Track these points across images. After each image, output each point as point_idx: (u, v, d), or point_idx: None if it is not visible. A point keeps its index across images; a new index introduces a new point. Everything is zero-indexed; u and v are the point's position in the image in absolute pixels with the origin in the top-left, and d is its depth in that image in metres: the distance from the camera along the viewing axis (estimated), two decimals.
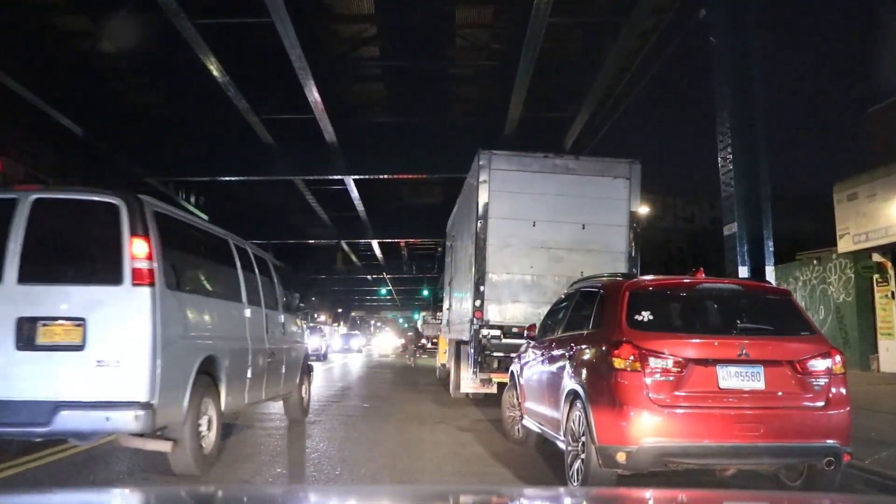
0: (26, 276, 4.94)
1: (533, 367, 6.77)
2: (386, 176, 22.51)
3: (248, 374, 6.75)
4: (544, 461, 6.66)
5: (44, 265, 5.07)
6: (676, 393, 4.67)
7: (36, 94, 16.09)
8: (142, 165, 20.55)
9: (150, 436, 5.15)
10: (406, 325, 69.92)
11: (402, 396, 13.16)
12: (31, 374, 4.81)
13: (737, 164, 9.08)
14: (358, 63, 17.13)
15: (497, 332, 10.38)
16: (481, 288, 10.39)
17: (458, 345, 12.26)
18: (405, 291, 59.76)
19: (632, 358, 4.71)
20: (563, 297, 6.81)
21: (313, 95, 15.71)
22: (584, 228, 10.63)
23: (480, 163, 10.46)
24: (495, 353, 10.39)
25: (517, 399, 7.45)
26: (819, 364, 4.82)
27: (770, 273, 8.85)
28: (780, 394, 4.76)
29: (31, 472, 5.62)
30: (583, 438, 5.01)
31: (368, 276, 48.77)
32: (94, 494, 2.87)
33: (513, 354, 10.11)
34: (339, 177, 21.57)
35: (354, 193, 23.92)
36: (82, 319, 4.87)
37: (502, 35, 16.17)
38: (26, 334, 4.82)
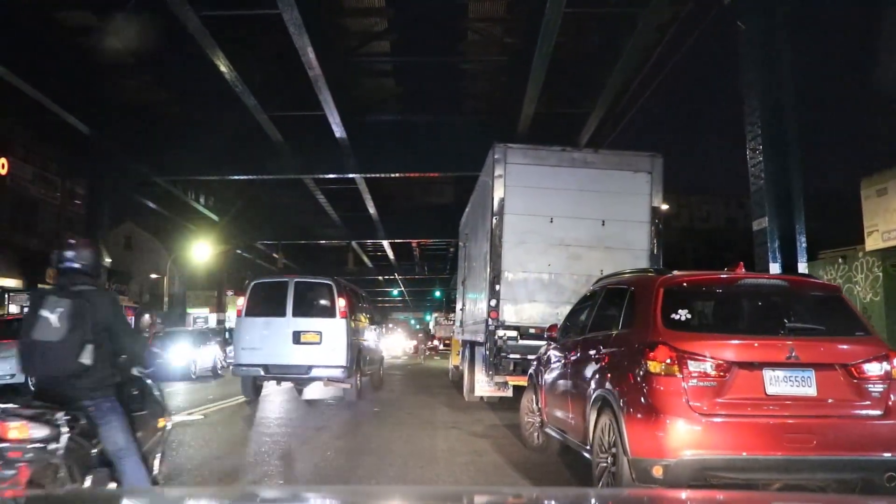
0: (295, 313, 11.27)
1: (555, 370, 6.33)
2: (397, 174, 22.16)
3: (368, 358, 13.27)
4: (568, 471, 6.22)
5: (303, 308, 11.33)
6: (719, 400, 4.22)
7: (41, 92, 15.85)
8: (149, 165, 20.29)
9: (341, 381, 11.49)
10: (418, 327, 69.56)
11: (413, 399, 12.74)
12: (299, 354, 10.96)
13: (766, 156, 8.58)
14: (368, 58, 16.81)
15: (513, 333, 9.94)
16: (497, 287, 9.95)
17: (472, 346, 11.85)
18: (417, 293, 59.40)
19: (668, 361, 4.27)
20: (587, 294, 6.36)
21: (323, 92, 15.36)
22: (603, 225, 10.18)
23: (496, 157, 10.03)
24: (511, 356, 9.95)
25: (537, 404, 7.00)
26: (876, 368, 4.34)
27: (803, 270, 8.36)
28: (833, 401, 4.30)
29: None
30: (613, 450, 4.56)
31: (380, 278, 48.42)
32: (95, 495, 2.72)
33: (530, 356, 9.70)
34: (350, 175, 21.21)
35: (365, 193, 23.57)
36: (319, 332, 11.14)
37: (516, 29, 15.78)
38: (296, 338, 10.93)
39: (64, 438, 3.46)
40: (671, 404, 4.22)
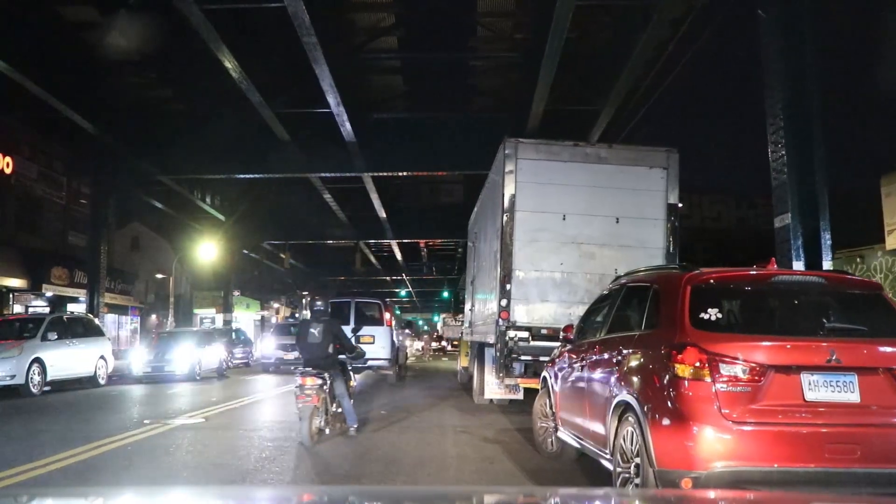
0: (356, 322, 14.42)
1: (570, 373, 6.00)
2: (405, 173, 21.88)
3: (401, 353, 18.32)
4: (586, 480, 5.89)
5: (361, 319, 15.48)
6: (753, 406, 3.89)
7: (45, 89, 15.63)
8: (154, 163, 20.08)
9: (386, 369, 16.40)
10: (426, 328, 69.32)
11: (421, 402, 12.43)
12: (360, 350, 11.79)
13: (789, 150, 8.21)
14: (375, 54, 16.51)
15: (525, 334, 9.63)
16: (507, 286, 9.64)
17: (482, 347, 11.54)
18: (425, 293, 59.11)
19: (698, 364, 3.94)
20: (605, 293, 6.02)
21: (329, 89, 15.09)
22: (617, 222, 9.87)
23: (506, 152, 9.72)
24: (522, 357, 9.65)
25: (551, 408, 6.68)
26: None
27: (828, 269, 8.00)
28: (877, 408, 3.96)
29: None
30: (637, 459, 4.24)
31: (388, 278, 48.15)
32: (96, 495, 2.73)
33: (542, 358, 9.38)
34: (357, 174, 20.93)
35: (373, 192, 23.32)
36: (373, 335, 15.58)
37: (526, 24, 15.48)
38: (357, 339, 9.96)
39: (326, 386, 7.53)
40: (701, 411, 3.89)
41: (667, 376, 4.06)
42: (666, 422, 3.99)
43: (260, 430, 8.92)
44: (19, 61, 14.54)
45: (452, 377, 18.82)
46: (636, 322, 4.90)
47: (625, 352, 4.72)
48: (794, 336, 4.13)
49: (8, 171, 20.67)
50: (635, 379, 4.42)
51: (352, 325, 13.39)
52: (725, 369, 3.91)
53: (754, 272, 4.56)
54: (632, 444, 4.34)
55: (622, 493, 3.91)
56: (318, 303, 8.55)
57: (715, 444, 3.86)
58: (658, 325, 4.48)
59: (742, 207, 46.15)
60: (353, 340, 8.61)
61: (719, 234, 43.15)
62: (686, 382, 3.94)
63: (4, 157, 20.42)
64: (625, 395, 4.47)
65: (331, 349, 7.77)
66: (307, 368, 7.54)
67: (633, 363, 4.54)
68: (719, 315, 4.16)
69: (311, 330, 7.75)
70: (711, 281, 4.41)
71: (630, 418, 4.36)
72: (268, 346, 22.46)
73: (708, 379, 3.91)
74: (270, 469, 6.23)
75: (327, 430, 7.68)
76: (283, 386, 15.71)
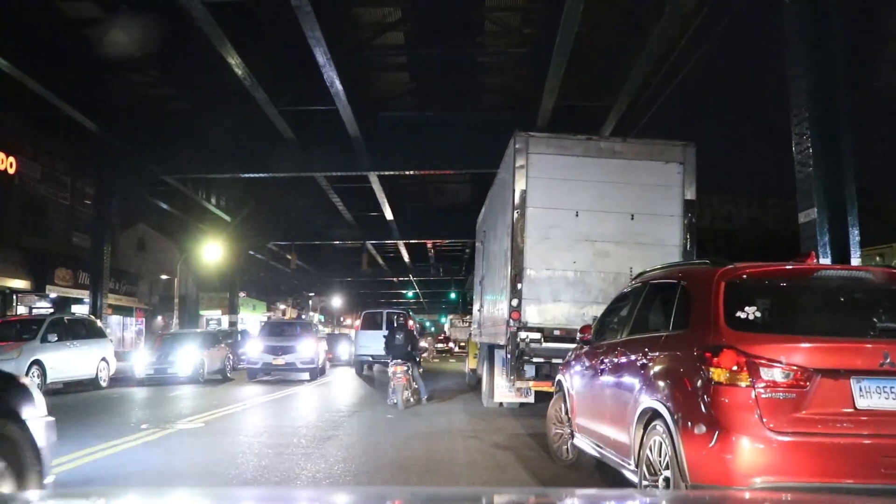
0: (386, 328, 17.95)
1: (589, 376, 5.63)
2: (411, 172, 21.54)
3: (420, 351, 16.19)
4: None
5: (389, 325, 17.57)
6: (797, 415, 3.51)
7: (46, 88, 15.40)
8: (157, 162, 19.83)
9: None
10: (433, 329, 68.95)
11: (428, 405, 12.07)
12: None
13: (815, 140, 7.81)
14: (382, 51, 16.21)
15: (536, 335, 9.26)
16: (518, 286, 9.27)
17: (491, 349, 11.19)
18: (432, 294, 58.78)
19: (735, 368, 3.57)
20: (626, 291, 5.63)
21: (335, 86, 14.79)
22: (632, 219, 9.50)
23: (517, 146, 9.36)
24: (534, 359, 9.28)
25: (566, 413, 6.30)
26: None
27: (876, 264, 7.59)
28: None
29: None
30: (666, 472, 3.86)
31: (394, 279, 47.84)
32: (97, 495, 2.61)
33: (555, 360, 9.01)
34: (363, 173, 20.62)
35: (379, 192, 23.01)
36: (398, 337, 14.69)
37: (535, 19, 15.15)
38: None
39: (409, 371, 11.73)
40: (740, 420, 3.52)
41: (700, 381, 3.68)
42: (700, 432, 3.61)
43: (261, 436, 8.58)
44: (20, 58, 14.30)
45: (460, 378, 18.48)
46: (662, 322, 4.53)
47: (650, 354, 4.35)
48: (842, 337, 3.74)
49: (11, 171, 20.45)
50: (664, 384, 4.05)
51: (383, 328, 18.83)
52: (766, 374, 3.54)
53: (796, 266, 4.17)
54: (660, 456, 3.97)
55: (647, 494, 3.54)
56: (400, 319, 16.65)
57: (756, 457, 3.49)
58: (688, 326, 4.10)
59: (753, 207, 45.69)
60: (383, 343, 12.81)
61: (729, 234, 42.69)
62: (723, 388, 3.57)
63: (7, 156, 20.21)
64: (652, 402, 4.10)
65: (409, 348, 12.17)
66: (397, 360, 11.63)
67: (661, 367, 4.16)
68: (758, 314, 3.78)
69: (397, 335, 12.31)
70: (747, 276, 4.03)
71: (658, 427, 3.99)
72: (253, 349, 18.61)
73: (747, 384, 3.54)
74: (269, 479, 5.89)
75: (412, 399, 11.86)
76: (288, 388, 15.40)
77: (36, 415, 3.53)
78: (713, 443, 3.55)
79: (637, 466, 4.30)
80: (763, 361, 3.55)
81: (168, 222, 32.40)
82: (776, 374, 3.54)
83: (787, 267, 4.16)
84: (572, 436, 6.11)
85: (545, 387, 9.22)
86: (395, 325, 13.88)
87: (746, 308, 3.78)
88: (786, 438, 3.50)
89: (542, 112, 16.71)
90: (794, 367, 3.54)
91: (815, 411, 3.52)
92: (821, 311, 4.02)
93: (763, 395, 3.52)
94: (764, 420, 3.50)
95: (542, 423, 7.87)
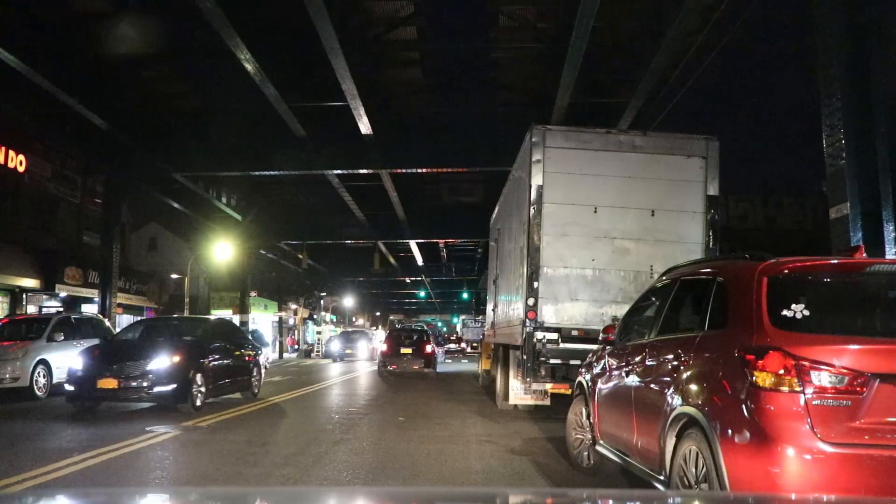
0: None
1: (613, 379, 5.30)
2: (424, 170, 21.24)
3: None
4: None
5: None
6: (853, 424, 3.18)
7: (54, 84, 15.18)
8: (167, 160, 19.64)
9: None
10: (445, 329, 68.68)
11: (441, 407, 11.77)
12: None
13: (848, 133, 7.44)
14: (394, 46, 15.92)
15: (553, 336, 8.96)
16: (535, 285, 8.96)
17: (506, 350, 10.88)
18: (444, 294, 58.45)
19: (783, 371, 3.24)
20: (653, 288, 5.29)
21: (346, 81, 14.51)
22: (653, 215, 9.21)
23: (533, 140, 9.05)
24: (551, 360, 8.96)
25: (588, 418, 5.98)
26: None
27: None
28: None
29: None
30: (704, 485, 3.54)
31: (406, 279, 47.57)
32: (98, 495, 2.64)
33: (572, 362, 8.71)
34: (374, 170, 20.36)
35: (391, 191, 22.74)
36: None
37: (550, 13, 14.79)
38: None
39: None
40: (788, 429, 3.19)
41: (742, 386, 3.36)
42: (743, 441, 3.29)
43: (263, 440, 8.30)
44: (29, 54, 14.10)
45: (473, 380, 18.19)
46: (695, 321, 4.20)
47: (683, 356, 4.02)
48: None
49: (21, 169, 20.31)
50: (700, 389, 3.72)
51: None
52: (817, 378, 3.21)
53: (844, 261, 3.82)
54: (695, 467, 3.64)
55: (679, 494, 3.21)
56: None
57: (805, 470, 3.16)
58: (726, 325, 3.77)
59: (769, 206, 44.99)
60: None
61: (745, 234, 42.04)
62: (769, 394, 3.24)
63: (17, 154, 20.06)
64: (686, 408, 3.77)
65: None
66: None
67: (696, 370, 3.83)
68: (805, 312, 3.45)
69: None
70: (791, 271, 3.69)
71: (693, 435, 3.66)
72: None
73: (796, 389, 3.21)
74: (268, 483, 5.61)
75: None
76: (304, 388, 15.15)
77: None
78: (759, 454, 3.22)
79: (668, 476, 3.98)
80: (813, 364, 3.22)
81: (179, 221, 32.28)
82: (828, 378, 3.21)
83: (835, 261, 3.82)
84: (594, 442, 5.79)
85: (562, 389, 8.92)
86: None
87: (793, 305, 3.45)
88: (839, 450, 3.17)
89: (557, 109, 16.36)
90: (849, 371, 3.20)
91: (872, 420, 3.18)
92: (875, 309, 3.68)
93: (814, 402, 3.20)
94: (815, 430, 3.18)
95: (558, 426, 7.57)
